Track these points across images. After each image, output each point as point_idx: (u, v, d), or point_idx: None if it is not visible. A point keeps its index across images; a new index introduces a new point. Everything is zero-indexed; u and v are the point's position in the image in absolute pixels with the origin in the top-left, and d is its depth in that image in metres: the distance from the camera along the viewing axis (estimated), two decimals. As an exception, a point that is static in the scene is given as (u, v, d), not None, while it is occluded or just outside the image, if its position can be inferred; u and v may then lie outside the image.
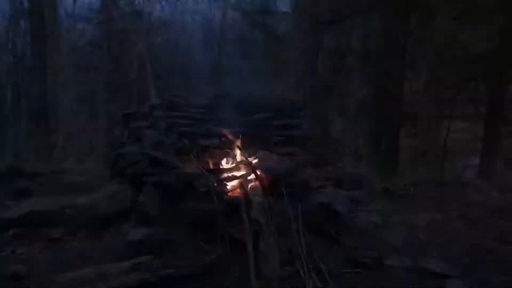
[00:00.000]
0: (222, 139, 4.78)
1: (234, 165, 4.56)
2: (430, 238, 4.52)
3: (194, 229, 3.77)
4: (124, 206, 4.17)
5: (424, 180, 6.98)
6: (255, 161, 4.46)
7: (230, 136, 4.75)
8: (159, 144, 4.47)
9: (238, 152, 4.65)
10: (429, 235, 4.59)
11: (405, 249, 4.20)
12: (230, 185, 4.29)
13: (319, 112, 10.60)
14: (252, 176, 4.24)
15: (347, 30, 10.28)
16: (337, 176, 5.61)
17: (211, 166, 4.48)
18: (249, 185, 4.22)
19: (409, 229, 4.74)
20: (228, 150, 4.73)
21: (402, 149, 8.95)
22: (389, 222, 4.89)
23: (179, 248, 3.64)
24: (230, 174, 4.41)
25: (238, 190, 4.30)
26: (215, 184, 4.05)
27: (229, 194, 4.14)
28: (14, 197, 5.26)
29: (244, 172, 4.36)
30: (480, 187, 6.54)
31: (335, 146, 10.92)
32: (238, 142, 4.70)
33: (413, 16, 8.15)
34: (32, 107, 10.51)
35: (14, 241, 3.95)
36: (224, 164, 4.69)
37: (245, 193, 3.96)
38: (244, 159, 4.42)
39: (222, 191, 4.08)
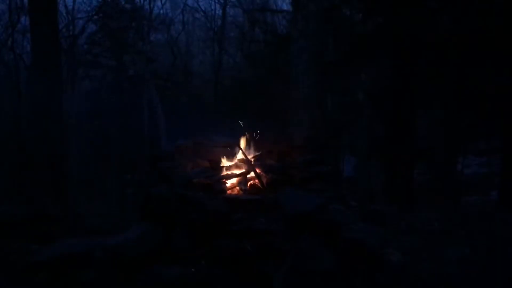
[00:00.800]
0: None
1: (233, 162, 4.69)
2: (463, 273, 4.45)
3: (228, 267, 3.73)
4: (154, 246, 4.15)
5: (445, 215, 6.93)
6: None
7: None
8: (188, 182, 4.51)
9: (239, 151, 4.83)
10: (461, 270, 4.52)
11: (439, 285, 4.14)
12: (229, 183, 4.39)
13: (331, 150, 10.70)
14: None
15: (356, 70, 10.55)
16: (361, 212, 5.59)
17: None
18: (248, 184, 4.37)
19: (441, 265, 4.67)
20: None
21: (417, 185, 8.95)
22: (419, 258, 4.82)
23: (214, 286, 3.60)
24: (229, 172, 4.51)
25: (238, 188, 4.37)
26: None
27: (229, 192, 4.21)
28: (38, 241, 5.23)
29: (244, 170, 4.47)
30: (503, 220, 6.48)
31: (348, 184, 10.91)
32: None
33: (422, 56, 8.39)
34: (46, 152, 10.62)
35: (45, 285, 3.90)
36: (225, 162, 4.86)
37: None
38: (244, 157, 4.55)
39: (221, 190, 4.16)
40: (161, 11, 19.92)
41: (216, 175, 4.80)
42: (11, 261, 4.47)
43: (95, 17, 16.36)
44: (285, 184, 4.73)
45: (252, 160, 5.02)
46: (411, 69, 8.42)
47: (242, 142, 5.14)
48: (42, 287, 3.88)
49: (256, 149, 5.21)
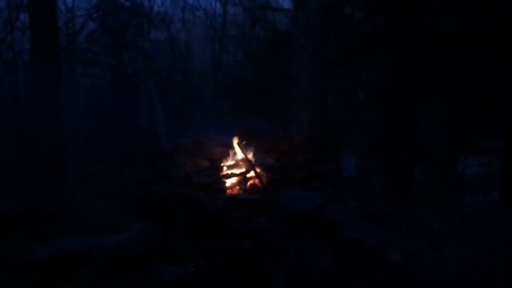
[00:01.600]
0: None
1: (234, 162, 4.69)
2: (463, 273, 4.43)
3: (228, 267, 3.71)
4: (153, 245, 4.13)
5: (445, 215, 6.91)
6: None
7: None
8: (187, 181, 4.48)
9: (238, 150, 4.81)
10: (461, 270, 4.51)
11: (439, 285, 4.12)
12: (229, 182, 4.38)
13: (332, 150, 10.66)
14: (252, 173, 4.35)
15: (356, 69, 10.52)
16: (361, 211, 5.57)
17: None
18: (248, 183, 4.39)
19: (440, 265, 4.66)
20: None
21: (417, 185, 8.92)
22: (419, 258, 4.80)
23: (214, 286, 3.58)
24: (229, 171, 4.50)
25: (237, 187, 4.36)
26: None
27: (228, 191, 4.20)
28: (37, 239, 5.20)
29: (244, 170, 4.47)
30: (504, 221, 6.46)
31: (348, 184, 10.87)
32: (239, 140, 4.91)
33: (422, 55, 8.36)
34: (45, 149, 10.58)
35: (43, 284, 3.88)
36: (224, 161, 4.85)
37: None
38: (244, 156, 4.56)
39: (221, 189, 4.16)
40: (161, 9, 19.88)
41: (216, 175, 4.78)
42: (9, 260, 4.44)
43: (95, 14, 16.29)
44: (285, 183, 4.73)
45: (252, 159, 5.01)
46: (412, 68, 8.39)
47: (242, 141, 5.12)
48: (41, 285, 3.86)
49: (256, 148, 5.19)
